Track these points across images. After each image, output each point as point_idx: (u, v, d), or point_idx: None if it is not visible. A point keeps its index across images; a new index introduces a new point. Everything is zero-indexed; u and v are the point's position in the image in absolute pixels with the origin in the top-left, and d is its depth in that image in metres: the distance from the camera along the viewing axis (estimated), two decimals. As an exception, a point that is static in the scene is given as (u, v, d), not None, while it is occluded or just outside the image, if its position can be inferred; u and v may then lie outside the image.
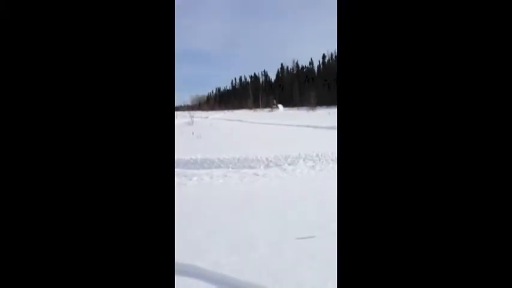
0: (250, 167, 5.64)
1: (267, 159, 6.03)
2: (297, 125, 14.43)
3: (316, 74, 53.66)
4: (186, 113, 27.32)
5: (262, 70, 74.95)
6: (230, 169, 5.59)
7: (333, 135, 10.36)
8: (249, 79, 66.96)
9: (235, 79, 72.20)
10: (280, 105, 48.72)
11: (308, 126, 13.62)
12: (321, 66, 54.04)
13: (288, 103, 46.43)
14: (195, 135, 11.71)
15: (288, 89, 52.40)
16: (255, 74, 66.30)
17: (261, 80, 64.90)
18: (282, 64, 60.87)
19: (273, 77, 62.51)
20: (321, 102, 36.59)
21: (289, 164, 5.66)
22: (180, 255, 2.29)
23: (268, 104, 50.56)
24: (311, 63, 56.52)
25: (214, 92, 76.78)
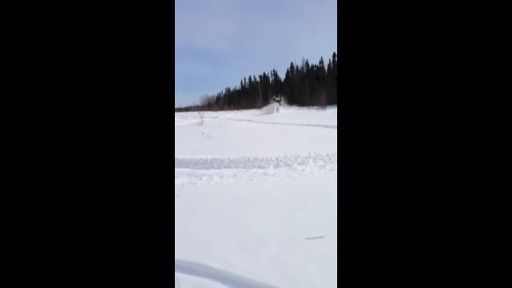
0: (260, 167, 5.64)
1: (276, 158, 6.02)
2: (307, 124, 14.37)
3: (326, 73, 53.35)
4: (195, 114, 27.48)
5: (272, 69, 74.78)
6: (240, 169, 5.61)
7: (344, 134, 10.21)
8: (258, 79, 66.99)
9: (244, 79, 72.09)
10: (280, 103, 36.85)
11: (318, 125, 13.54)
12: (331, 65, 53.71)
13: (298, 102, 45.47)
14: (205, 135, 11.78)
15: (298, 88, 52.08)
16: (264, 73, 66.26)
17: (270, 79, 64.87)
18: (291, 63, 60.69)
19: (282, 76, 62.43)
20: (331, 101, 36.34)
21: (299, 164, 5.64)
22: (190, 255, 2.31)
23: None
24: (321, 62, 56.24)
25: (223, 92, 76.94)
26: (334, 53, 53.32)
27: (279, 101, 38.89)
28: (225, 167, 5.85)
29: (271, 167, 5.62)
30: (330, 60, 54.36)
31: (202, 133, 12.57)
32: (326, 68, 55.05)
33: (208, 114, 30.70)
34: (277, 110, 33.97)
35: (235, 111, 44.15)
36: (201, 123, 19.95)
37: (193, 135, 12.27)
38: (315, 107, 33.53)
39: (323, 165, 5.42)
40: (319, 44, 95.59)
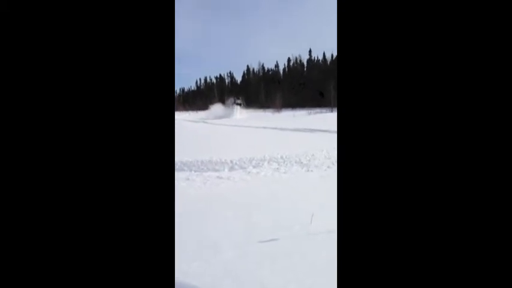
0: (215, 170, 5.56)
1: (231, 161, 5.99)
2: (263, 127, 14.53)
3: (281, 77, 54.50)
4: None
5: (228, 71, 74.58)
6: (193, 172, 5.47)
7: (297, 137, 10.54)
8: (214, 80, 66.42)
9: (200, 79, 71.05)
10: (240, 106, 33.33)
11: (274, 128, 13.76)
12: (286, 69, 55.00)
13: (254, 104, 45.77)
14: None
15: (253, 91, 52.51)
16: (220, 74, 65.91)
17: (226, 81, 64.68)
18: (247, 66, 61.05)
19: (238, 78, 62.58)
20: (286, 104, 37.20)
21: (253, 167, 5.65)
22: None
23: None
24: (276, 66, 57.39)
25: (178, 92, 75.10)
26: (288, 58, 54.74)
27: (240, 104, 35.30)
28: (178, 170, 5.67)
29: (226, 170, 5.56)
30: (285, 64, 55.70)
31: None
32: (281, 72, 56.27)
33: (162, 115, 29.51)
34: (239, 113, 30.71)
35: (190, 112, 43.34)
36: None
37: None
38: (271, 110, 34.04)
39: (277, 168, 5.49)
40: (274, 48, 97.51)
